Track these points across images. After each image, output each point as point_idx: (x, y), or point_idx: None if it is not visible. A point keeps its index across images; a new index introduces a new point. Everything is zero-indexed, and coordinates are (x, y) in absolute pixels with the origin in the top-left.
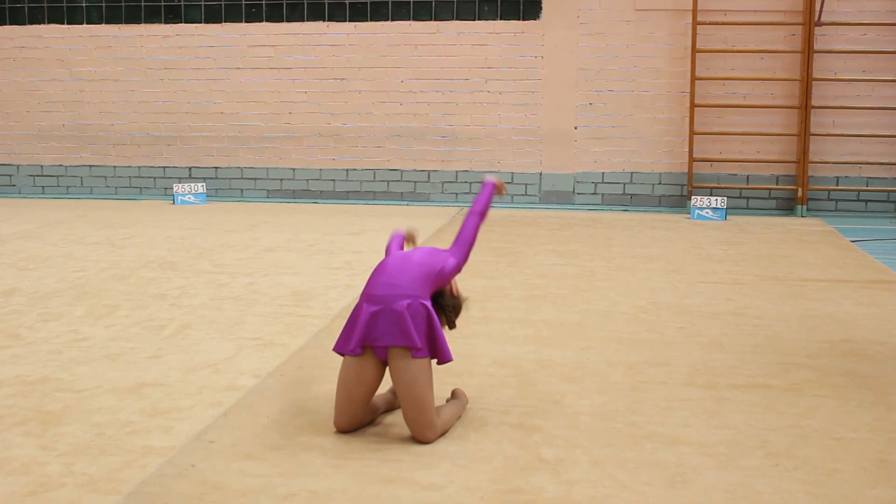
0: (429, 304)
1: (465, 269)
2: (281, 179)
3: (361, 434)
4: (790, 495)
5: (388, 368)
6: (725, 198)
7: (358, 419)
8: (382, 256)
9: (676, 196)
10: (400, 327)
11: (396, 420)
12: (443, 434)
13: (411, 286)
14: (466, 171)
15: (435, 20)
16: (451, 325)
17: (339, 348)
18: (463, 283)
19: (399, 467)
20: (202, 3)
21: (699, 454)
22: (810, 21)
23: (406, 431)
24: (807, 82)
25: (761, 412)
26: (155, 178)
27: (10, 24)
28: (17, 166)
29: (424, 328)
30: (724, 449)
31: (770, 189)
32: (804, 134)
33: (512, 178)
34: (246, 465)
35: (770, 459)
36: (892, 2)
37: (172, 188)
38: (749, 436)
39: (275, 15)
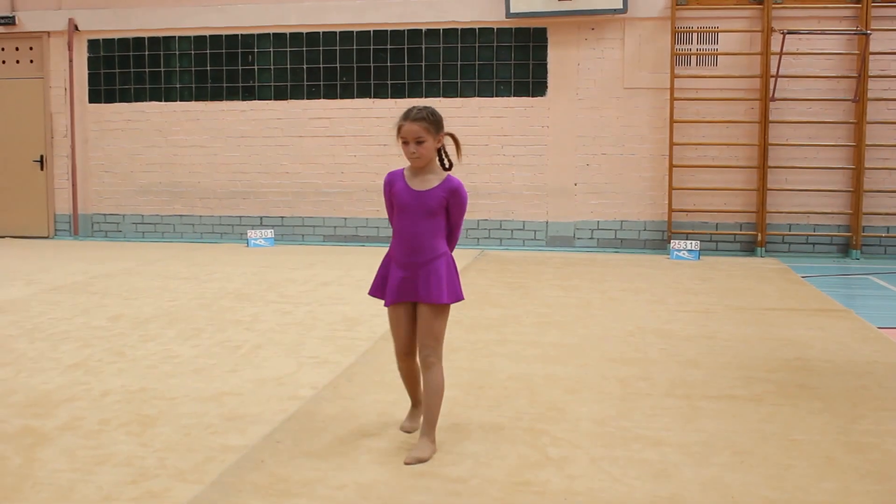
0: (450, 255)
1: (485, 299)
2: (335, 227)
3: (397, 439)
4: (754, 487)
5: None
6: (699, 241)
7: (412, 349)
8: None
9: (658, 240)
10: (430, 289)
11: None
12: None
13: (434, 245)
14: (486, 219)
15: (460, 97)
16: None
17: (376, 294)
18: (482, 313)
19: (430, 464)
20: (272, 84)
21: (678, 453)
22: (766, 97)
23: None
24: (764, 147)
25: (729, 418)
26: (233, 226)
27: (120, 101)
28: (123, 216)
29: (447, 278)
30: (698, 449)
31: (735, 234)
32: (762, 189)
33: (523, 226)
34: (306, 461)
35: (737, 457)
36: (832, 81)
37: (247, 234)
38: (719, 438)
39: (330, 93)
